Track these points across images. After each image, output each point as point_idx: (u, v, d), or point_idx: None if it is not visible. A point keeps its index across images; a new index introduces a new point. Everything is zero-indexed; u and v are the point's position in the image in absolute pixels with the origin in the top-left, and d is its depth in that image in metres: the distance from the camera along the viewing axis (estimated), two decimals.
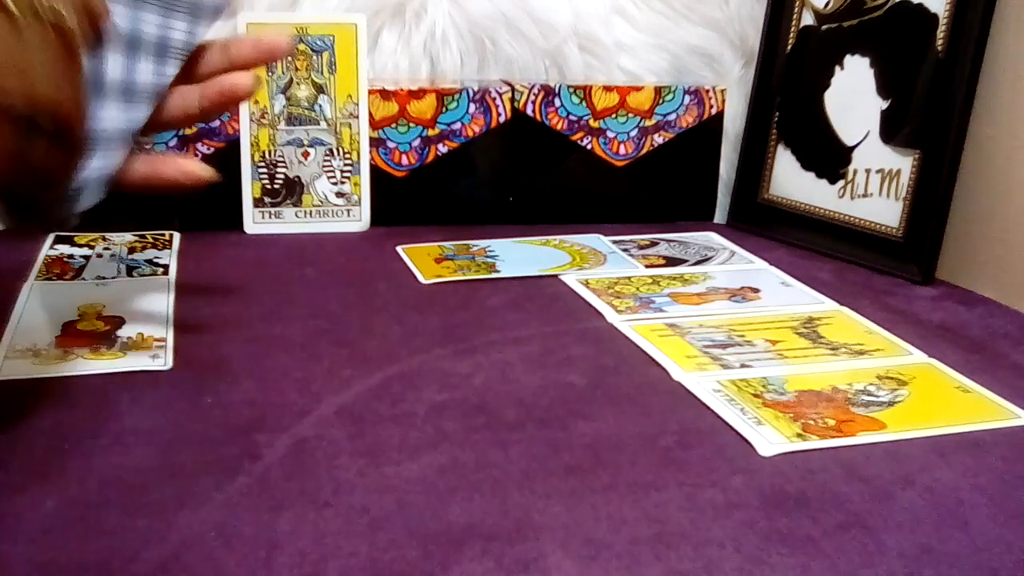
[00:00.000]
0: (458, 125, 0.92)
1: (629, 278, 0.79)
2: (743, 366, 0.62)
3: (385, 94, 0.90)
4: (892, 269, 0.82)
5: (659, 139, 0.96)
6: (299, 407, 0.54)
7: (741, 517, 0.45)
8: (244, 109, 0.87)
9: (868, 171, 0.85)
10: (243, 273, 0.78)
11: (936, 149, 0.80)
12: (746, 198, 0.96)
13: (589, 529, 0.44)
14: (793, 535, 0.44)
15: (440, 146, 0.92)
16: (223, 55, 0.55)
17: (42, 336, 0.63)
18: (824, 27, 0.90)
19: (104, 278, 0.74)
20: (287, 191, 0.89)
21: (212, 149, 0.88)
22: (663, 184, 0.97)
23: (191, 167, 0.54)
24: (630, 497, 0.46)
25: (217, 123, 0.87)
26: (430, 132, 0.92)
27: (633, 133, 0.95)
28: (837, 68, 0.88)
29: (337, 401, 0.55)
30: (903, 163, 0.83)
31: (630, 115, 0.95)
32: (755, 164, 0.96)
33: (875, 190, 0.85)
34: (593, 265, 0.82)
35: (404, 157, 0.92)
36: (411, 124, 0.91)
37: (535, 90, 0.92)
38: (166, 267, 0.77)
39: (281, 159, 0.89)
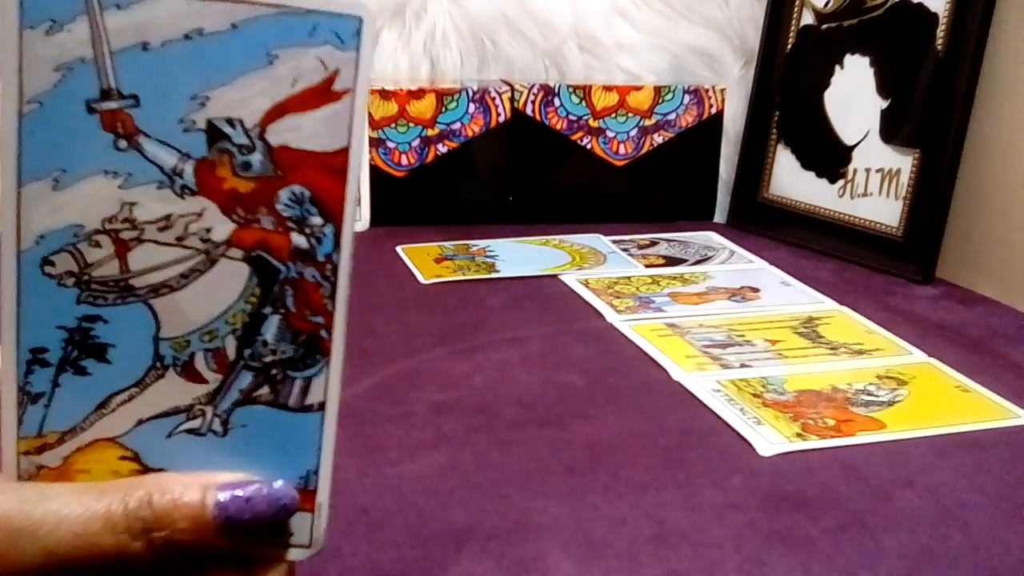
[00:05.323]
0: (458, 125, 0.92)
1: (629, 278, 0.79)
2: (743, 366, 0.62)
3: (385, 94, 0.90)
4: (892, 269, 0.82)
5: (659, 139, 0.96)
6: None
7: (741, 517, 0.45)
8: None
9: (868, 171, 0.85)
10: None
11: (936, 149, 0.80)
12: (746, 198, 0.96)
13: (589, 529, 0.44)
14: (793, 535, 0.44)
15: (440, 146, 0.92)
16: None
17: None
18: (824, 27, 0.90)
19: None
20: None
21: None
22: (663, 184, 0.97)
23: None
24: (630, 497, 0.46)
25: None
26: (430, 132, 0.92)
27: (633, 133, 0.95)
28: (837, 68, 0.88)
29: None
30: (903, 163, 0.83)
31: (630, 115, 0.95)
32: (755, 164, 0.96)
33: (875, 189, 0.85)
34: (593, 265, 0.82)
35: (404, 157, 0.92)
36: (411, 124, 0.91)
37: (535, 90, 0.92)
38: None
39: None
